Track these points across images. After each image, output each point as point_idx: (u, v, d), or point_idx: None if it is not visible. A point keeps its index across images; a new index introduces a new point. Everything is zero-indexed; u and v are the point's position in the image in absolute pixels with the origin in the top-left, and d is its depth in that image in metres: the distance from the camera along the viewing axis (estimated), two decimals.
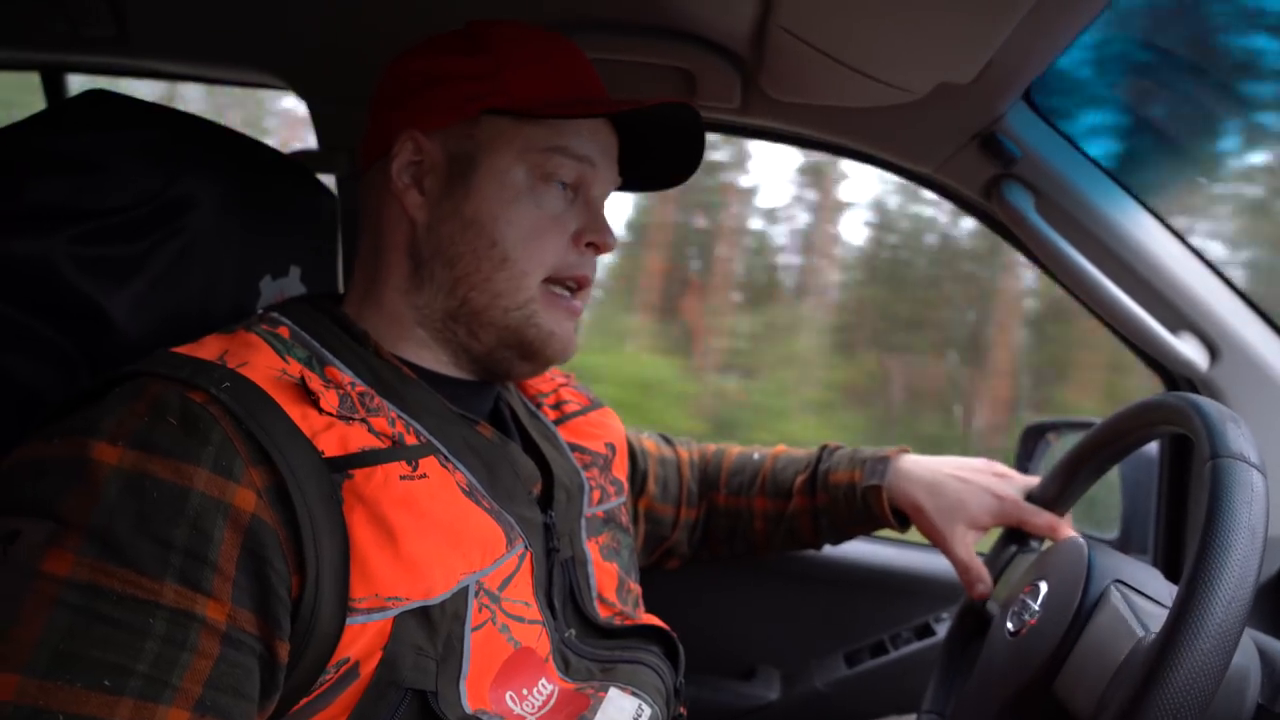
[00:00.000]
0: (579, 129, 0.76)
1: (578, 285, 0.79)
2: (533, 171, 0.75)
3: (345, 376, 0.69)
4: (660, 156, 0.85)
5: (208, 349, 0.65)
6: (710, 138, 0.90)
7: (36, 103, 1.42)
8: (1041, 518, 0.93)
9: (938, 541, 0.98)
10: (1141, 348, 1.08)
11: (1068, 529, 0.93)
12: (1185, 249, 1.05)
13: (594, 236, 0.77)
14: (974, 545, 0.97)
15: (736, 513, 1.10)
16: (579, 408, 0.97)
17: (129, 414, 0.57)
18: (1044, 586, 0.78)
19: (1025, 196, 1.05)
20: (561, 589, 0.79)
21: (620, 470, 0.97)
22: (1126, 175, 1.04)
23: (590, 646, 0.79)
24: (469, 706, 0.63)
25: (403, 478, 0.65)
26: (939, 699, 0.93)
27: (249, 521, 0.56)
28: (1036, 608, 0.76)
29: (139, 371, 0.61)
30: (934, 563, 1.32)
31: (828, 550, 1.16)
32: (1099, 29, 0.85)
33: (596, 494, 0.89)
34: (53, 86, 1.38)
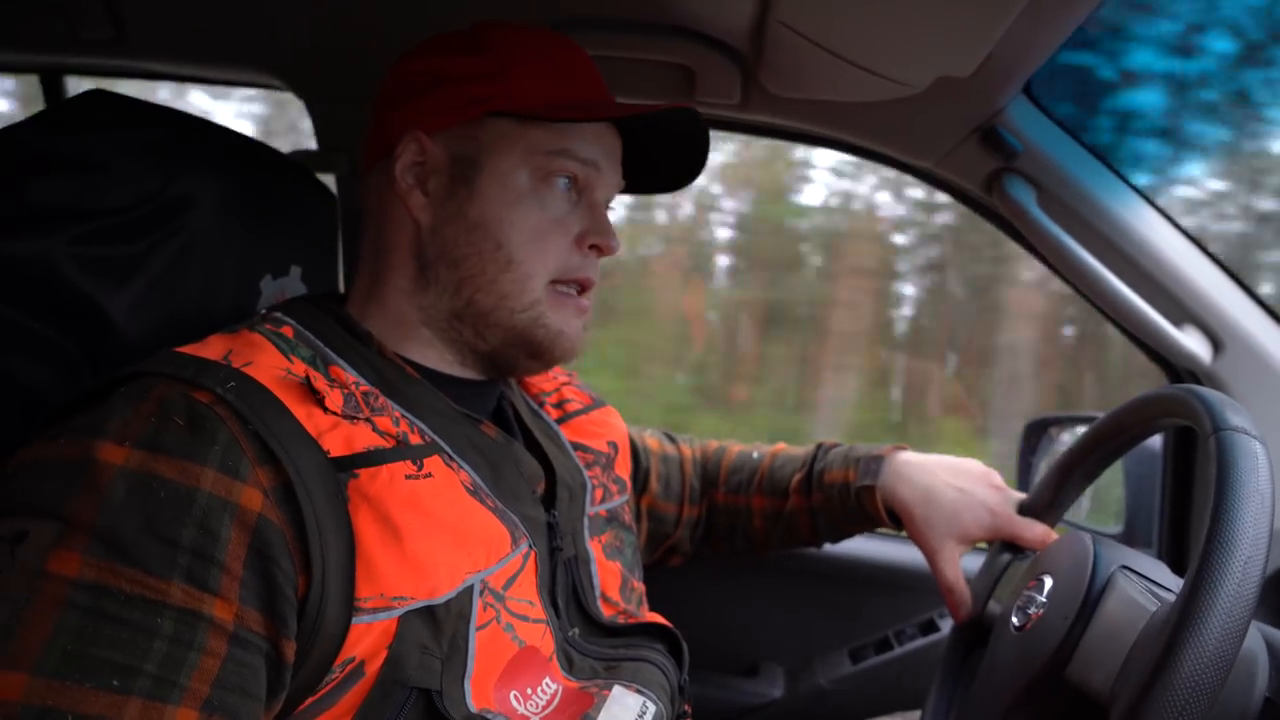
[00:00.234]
0: (583, 132, 0.76)
1: (581, 287, 0.79)
2: (536, 174, 0.75)
3: (349, 376, 0.69)
4: (664, 160, 0.85)
5: (212, 349, 0.65)
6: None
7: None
8: (1034, 531, 0.92)
9: (926, 554, 0.97)
10: (1145, 341, 1.08)
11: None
12: (1188, 241, 1.05)
13: (597, 239, 0.77)
14: (962, 558, 0.96)
15: (735, 511, 1.10)
16: (581, 406, 0.97)
17: (135, 414, 0.57)
18: (1048, 580, 0.77)
19: (1027, 190, 1.05)
20: (565, 588, 0.79)
21: (623, 468, 0.97)
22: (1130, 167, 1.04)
23: (594, 645, 0.79)
24: (474, 705, 0.63)
25: (408, 477, 0.65)
26: (940, 708, 0.93)
27: (256, 521, 0.56)
28: (1042, 600, 0.76)
29: (144, 371, 0.61)
30: None
31: (831, 546, 1.15)
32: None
33: (599, 492, 0.89)
34: (51, 88, 1.38)
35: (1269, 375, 1.03)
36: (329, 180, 1.23)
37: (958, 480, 0.98)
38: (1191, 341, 1.03)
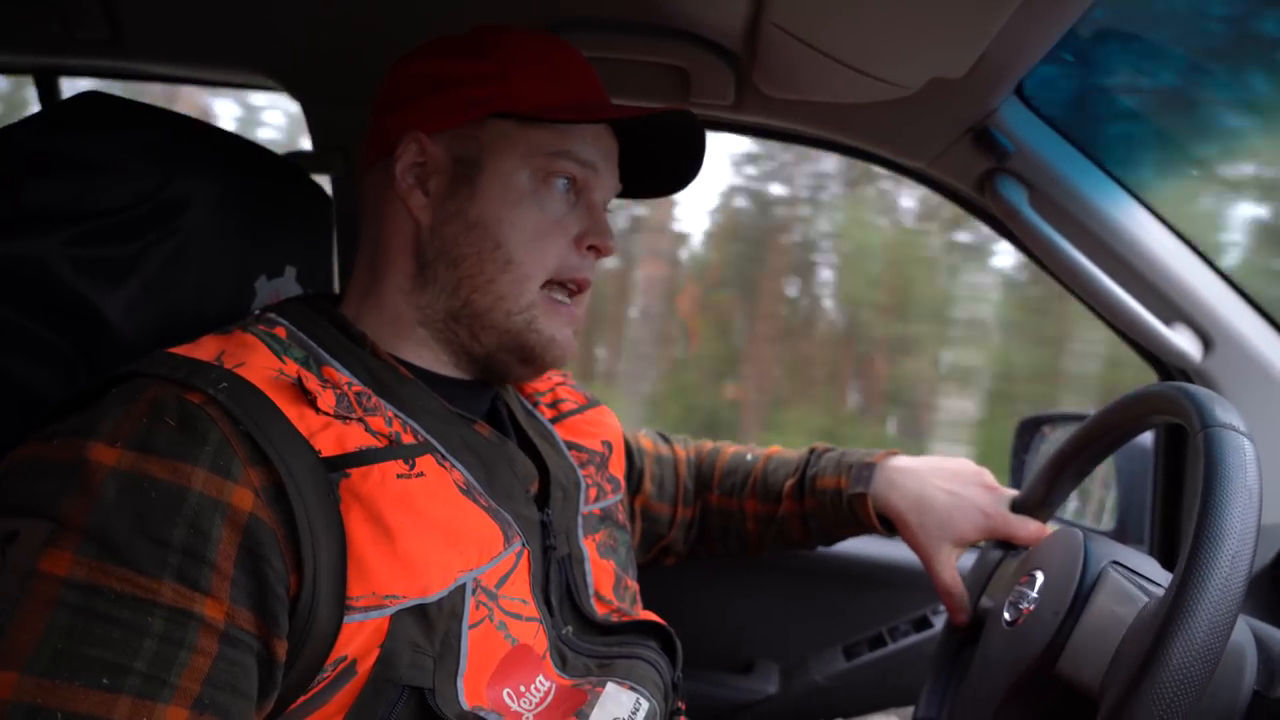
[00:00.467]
0: (583, 134, 0.77)
1: (578, 287, 0.80)
2: (536, 175, 0.76)
3: (342, 376, 0.69)
4: (661, 163, 0.86)
5: (205, 349, 0.65)
6: None
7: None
8: (1027, 529, 0.93)
9: (923, 559, 0.97)
10: (1136, 339, 1.08)
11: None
12: (1178, 241, 1.06)
13: (595, 239, 0.78)
14: (958, 560, 0.97)
15: (729, 513, 1.10)
16: (575, 406, 0.98)
17: (127, 415, 0.58)
18: (1040, 575, 0.78)
19: (1019, 190, 1.06)
20: (559, 586, 0.79)
21: (617, 468, 0.98)
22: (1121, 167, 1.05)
23: (587, 643, 0.79)
24: (466, 703, 0.64)
25: (399, 476, 0.65)
26: (933, 704, 0.93)
27: (247, 520, 0.57)
28: (1034, 595, 0.76)
29: (136, 373, 0.62)
30: None
31: None
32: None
33: (593, 491, 0.89)
34: (46, 89, 1.38)
35: (1258, 373, 1.04)
36: (324, 181, 1.24)
37: (949, 483, 0.98)
38: (1182, 340, 1.04)
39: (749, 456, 1.12)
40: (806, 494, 1.04)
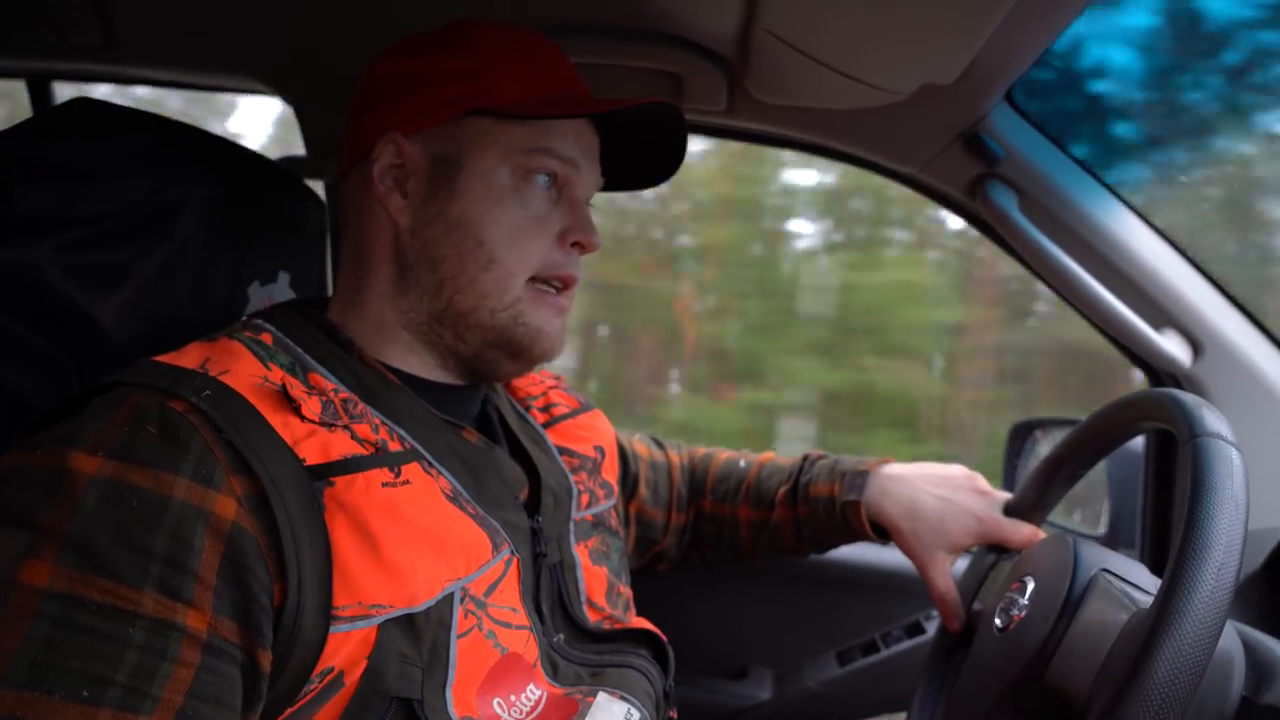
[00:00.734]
0: (563, 129, 0.76)
1: (564, 284, 0.79)
2: (517, 172, 0.75)
3: (328, 383, 0.69)
4: (643, 156, 0.85)
5: (189, 357, 0.64)
6: None
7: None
8: (1021, 533, 0.93)
9: (918, 566, 0.97)
10: (1126, 344, 1.09)
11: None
12: (1168, 246, 1.06)
13: (579, 236, 0.77)
14: (953, 566, 0.97)
15: (722, 520, 1.10)
16: (568, 410, 0.97)
17: (109, 424, 0.57)
18: (1030, 582, 0.78)
19: (1009, 196, 1.06)
20: (550, 594, 0.79)
21: (610, 473, 0.97)
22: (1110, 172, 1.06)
23: (579, 651, 0.79)
24: (455, 714, 0.63)
25: (385, 484, 0.65)
26: (925, 710, 0.93)
27: (229, 530, 0.56)
28: (1024, 602, 0.76)
29: (120, 382, 0.61)
30: None
31: None
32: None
33: (585, 497, 0.89)
34: (38, 95, 1.38)
35: (1247, 378, 1.04)
36: (317, 186, 1.23)
37: (942, 490, 0.98)
38: (1171, 345, 1.04)
39: (742, 463, 1.12)
40: (800, 501, 1.04)
